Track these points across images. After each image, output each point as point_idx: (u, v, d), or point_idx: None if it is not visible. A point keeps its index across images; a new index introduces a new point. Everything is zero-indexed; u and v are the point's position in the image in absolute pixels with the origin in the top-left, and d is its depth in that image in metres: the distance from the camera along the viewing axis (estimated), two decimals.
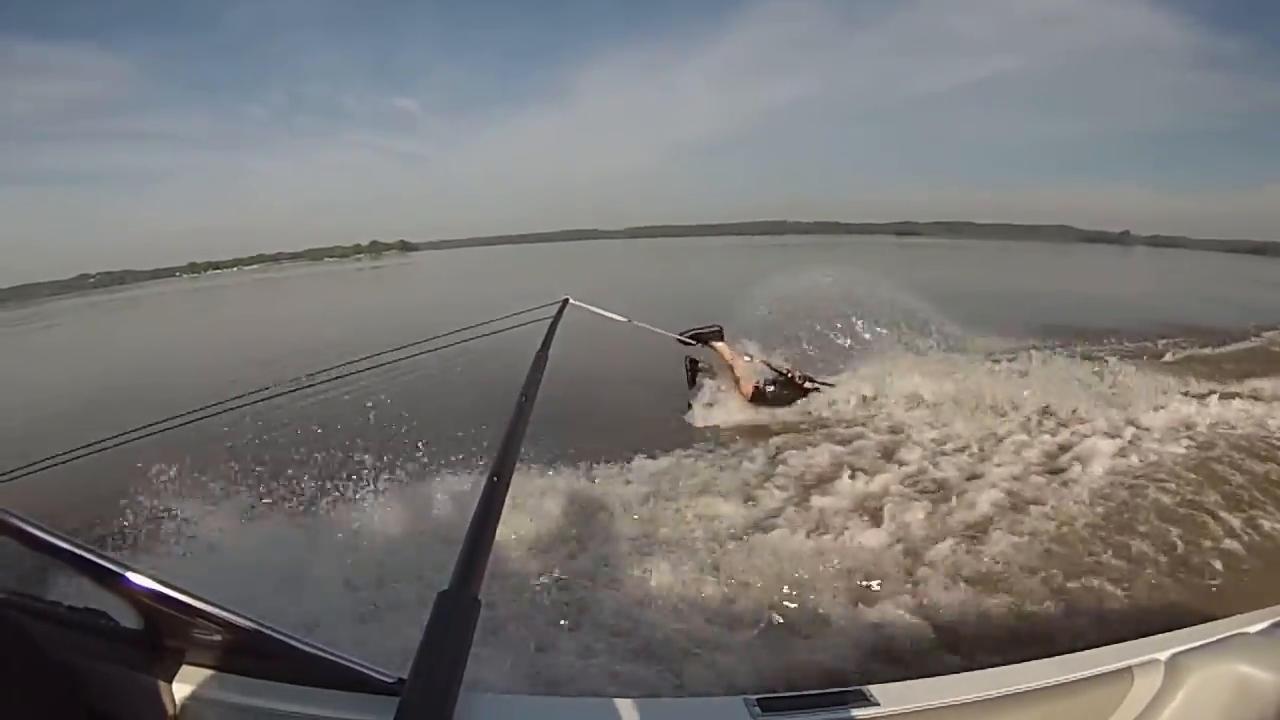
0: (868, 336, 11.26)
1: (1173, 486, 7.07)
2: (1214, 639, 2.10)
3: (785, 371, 9.94)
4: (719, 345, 9.77)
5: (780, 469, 7.53)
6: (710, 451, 8.14)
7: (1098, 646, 2.10)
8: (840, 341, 11.16)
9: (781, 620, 4.87)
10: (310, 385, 4.47)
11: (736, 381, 9.69)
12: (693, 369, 10.00)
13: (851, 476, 7.29)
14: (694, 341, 9.78)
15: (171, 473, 6.14)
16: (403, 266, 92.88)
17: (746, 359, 9.79)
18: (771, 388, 9.80)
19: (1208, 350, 14.99)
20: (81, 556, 1.38)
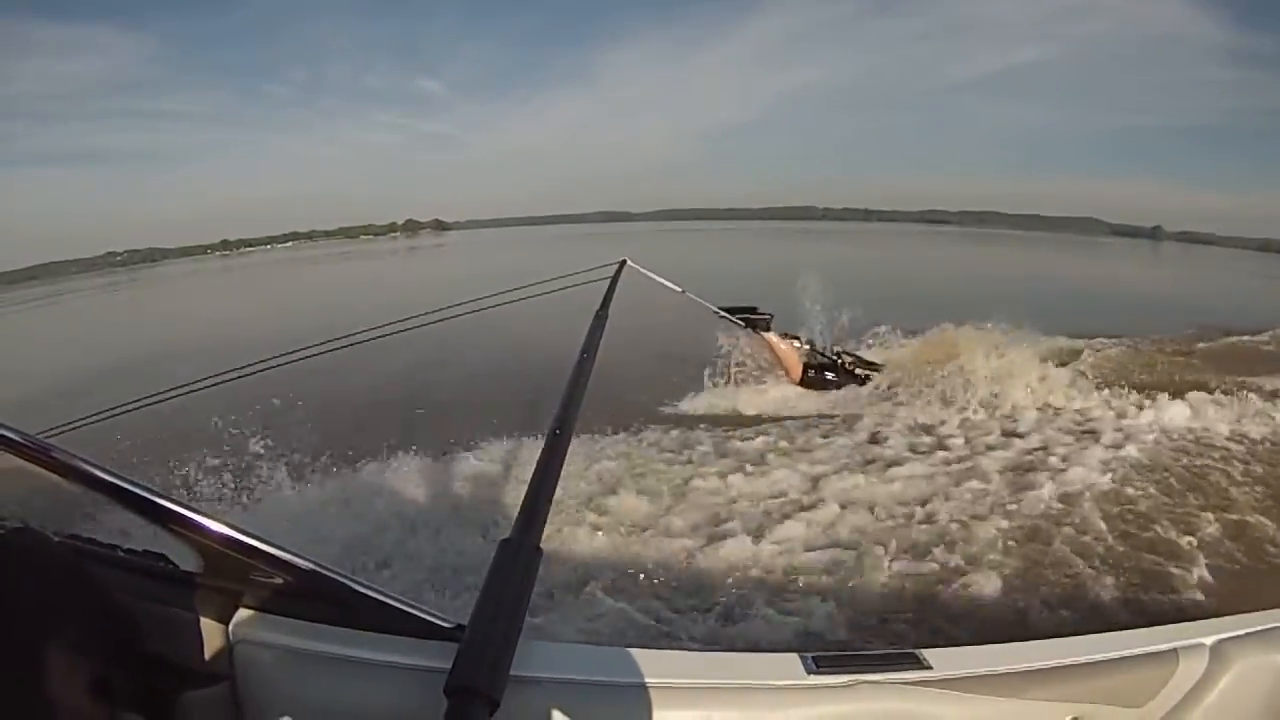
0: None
1: (1225, 474, 7.16)
2: (1258, 629, 2.06)
3: (835, 356, 9.99)
4: (767, 335, 9.82)
5: (830, 445, 7.73)
6: (764, 431, 8.25)
7: (1143, 627, 2.06)
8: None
9: (838, 585, 4.97)
10: (370, 339, 4.51)
11: (785, 368, 9.76)
12: (750, 323, 9.96)
13: (904, 453, 7.58)
14: (740, 322, 9.82)
15: (239, 423, 6.33)
16: (443, 246, 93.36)
17: (795, 344, 9.86)
18: (823, 373, 9.94)
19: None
20: (143, 497, 1.37)
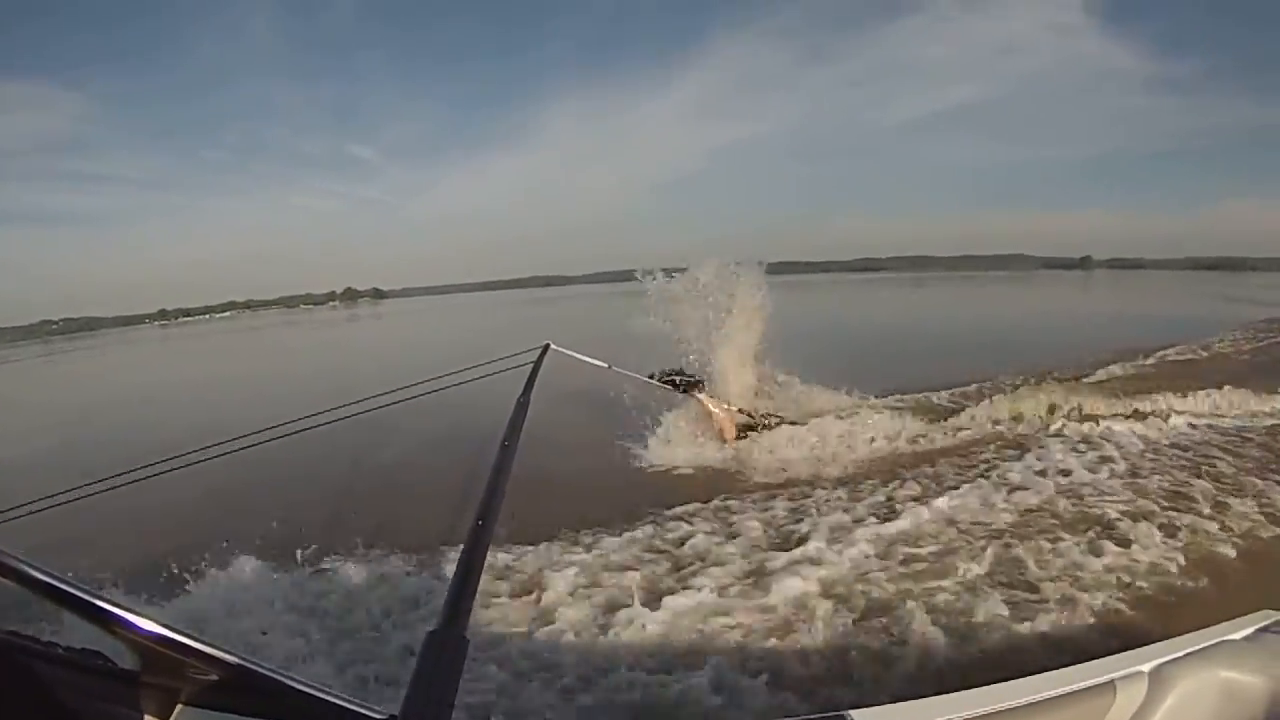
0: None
1: (1136, 498, 7.38)
2: (1197, 648, 2.13)
3: (753, 414, 10.39)
4: (701, 396, 10.10)
5: (752, 509, 7.64)
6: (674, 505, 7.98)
7: (1078, 663, 2.10)
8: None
9: (761, 649, 4.95)
10: (280, 436, 4.41)
11: (721, 428, 9.98)
12: (678, 386, 10.22)
13: (818, 512, 7.48)
14: (672, 387, 10.03)
15: (153, 521, 6.24)
16: (381, 318, 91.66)
17: (726, 408, 10.10)
18: (749, 432, 10.18)
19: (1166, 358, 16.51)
20: (79, 597, 1.39)
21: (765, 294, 11.35)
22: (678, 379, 10.19)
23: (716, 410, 10.13)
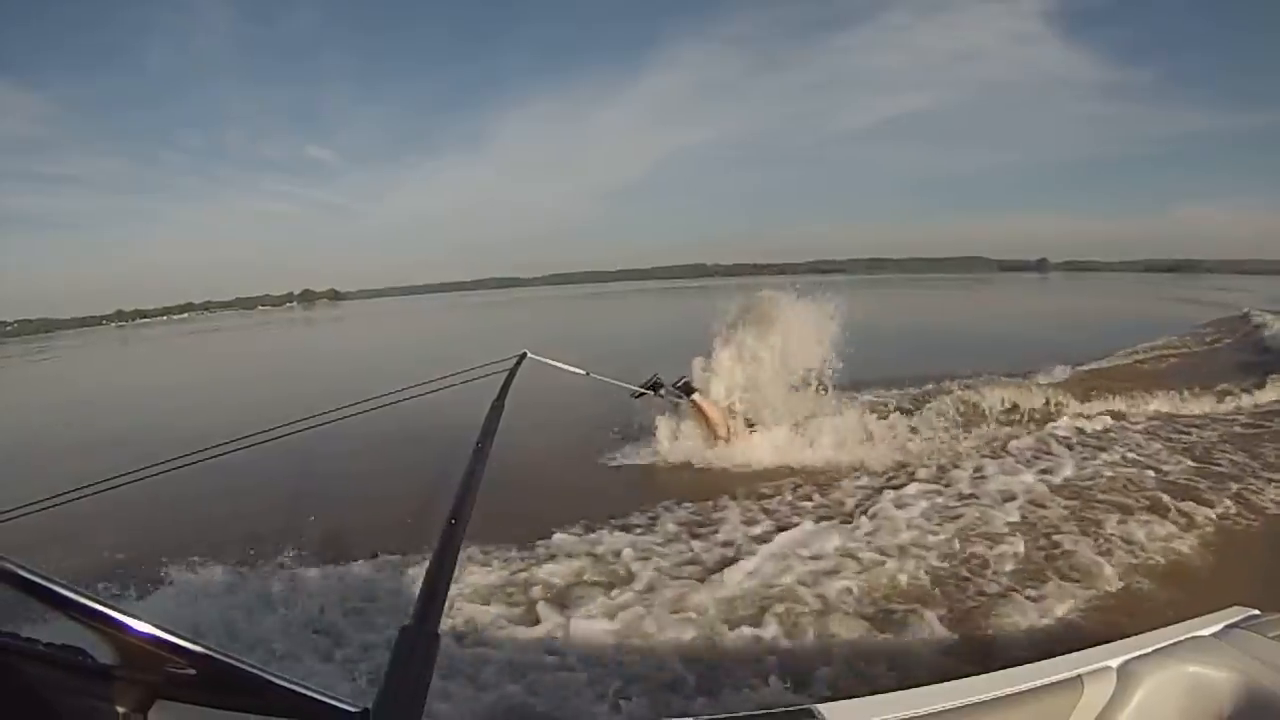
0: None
1: (1103, 498, 7.46)
2: (1166, 644, 2.17)
3: (746, 420, 10.26)
4: (696, 399, 10.02)
5: (718, 514, 7.60)
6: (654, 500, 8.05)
7: (1048, 659, 2.12)
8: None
9: (729, 645, 5.00)
10: (253, 444, 4.37)
11: (714, 431, 9.96)
12: (657, 390, 10.11)
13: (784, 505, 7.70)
14: (654, 392, 10.07)
15: (123, 532, 6.23)
16: (341, 319, 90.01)
17: (721, 407, 10.15)
18: (742, 432, 10.06)
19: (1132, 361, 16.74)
20: (59, 593, 1.42)
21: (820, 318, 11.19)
22: (660, 383, 10.10)
23: (711, 410, 10.02)
